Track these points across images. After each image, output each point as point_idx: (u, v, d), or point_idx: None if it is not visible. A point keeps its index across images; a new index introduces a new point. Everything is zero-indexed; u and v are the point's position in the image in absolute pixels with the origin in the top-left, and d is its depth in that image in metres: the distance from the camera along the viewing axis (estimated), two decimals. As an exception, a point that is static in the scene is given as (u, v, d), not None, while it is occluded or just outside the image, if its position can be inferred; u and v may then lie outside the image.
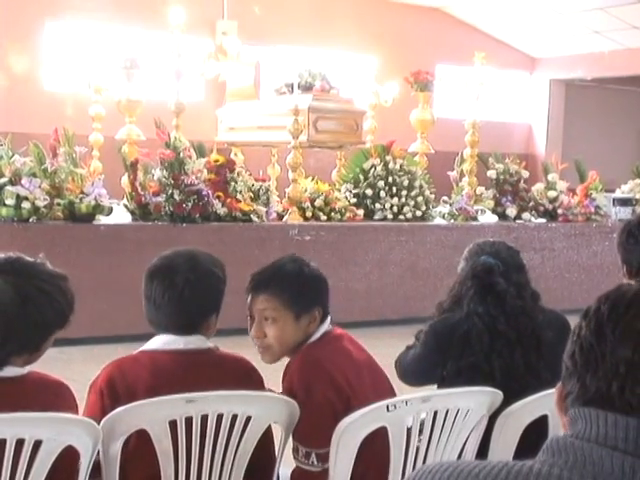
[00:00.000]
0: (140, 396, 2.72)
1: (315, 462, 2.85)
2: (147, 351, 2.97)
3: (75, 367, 6.59)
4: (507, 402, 2.95)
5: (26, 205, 7.36)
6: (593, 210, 10.32)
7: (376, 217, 9.34)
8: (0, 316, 2.39)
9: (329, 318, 3.13)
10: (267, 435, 2.86)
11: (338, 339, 3.12)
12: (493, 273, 3.43)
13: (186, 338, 2.93)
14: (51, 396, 2.52)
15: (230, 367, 3.01)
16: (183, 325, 2.93)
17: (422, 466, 1.45)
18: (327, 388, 2.89)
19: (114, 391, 2.79)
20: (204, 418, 2.69)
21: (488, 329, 3.37)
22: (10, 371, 2.49)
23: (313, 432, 2.83)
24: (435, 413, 2.81)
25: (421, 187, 9.66)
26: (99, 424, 2.56)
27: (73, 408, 2.62)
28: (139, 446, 2.73)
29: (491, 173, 10.06)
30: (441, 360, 3.44)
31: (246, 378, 2.98)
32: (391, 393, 3.10)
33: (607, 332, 1.36)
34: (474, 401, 2.89)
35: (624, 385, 1.32)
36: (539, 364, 3.35)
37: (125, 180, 8.41)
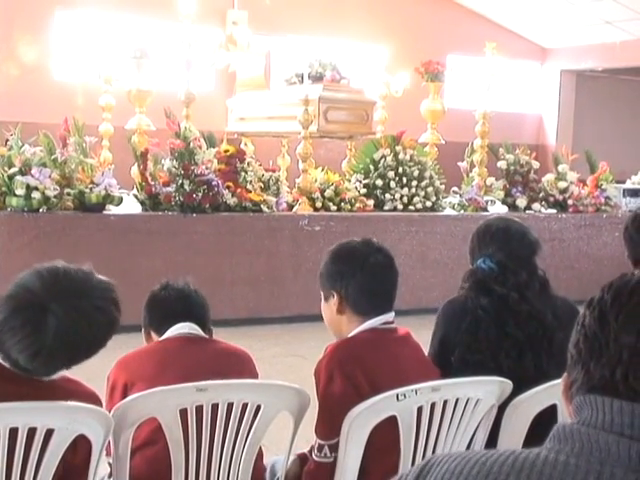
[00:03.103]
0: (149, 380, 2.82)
1: (328, 453, 2.82)
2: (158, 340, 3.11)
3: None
4: (513, 397, 2.93)
5: (36, 195, 7.36)
6: (603, 201, 10.28)
7: (386, 207, 9.32)
8: (66, 345, 2.35)
9: (384, 316, 2.98)
10: None
11: (392, 341, 2.99)
12: (488, 282, 3.32)
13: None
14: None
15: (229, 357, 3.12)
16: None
17: (431, 456, 1.45)
18: (346, 385, 2.83)
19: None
20: (214, 407, 2.70)
21: (495, 326, 3.26)
22: None
23: (326, 424, 2.81)
24: (445, 402, 2.81)
25: (431, 178, 9.63)
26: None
27: None
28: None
29: (501, 164, 10.04)
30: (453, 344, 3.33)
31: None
32: None
33: (610, 319, 1.36)
34: (483, 390, 2.89)
35: (627, 371, 1.32)
36: (549, 365, 3.23)
37: (135, 170, 8.42)
